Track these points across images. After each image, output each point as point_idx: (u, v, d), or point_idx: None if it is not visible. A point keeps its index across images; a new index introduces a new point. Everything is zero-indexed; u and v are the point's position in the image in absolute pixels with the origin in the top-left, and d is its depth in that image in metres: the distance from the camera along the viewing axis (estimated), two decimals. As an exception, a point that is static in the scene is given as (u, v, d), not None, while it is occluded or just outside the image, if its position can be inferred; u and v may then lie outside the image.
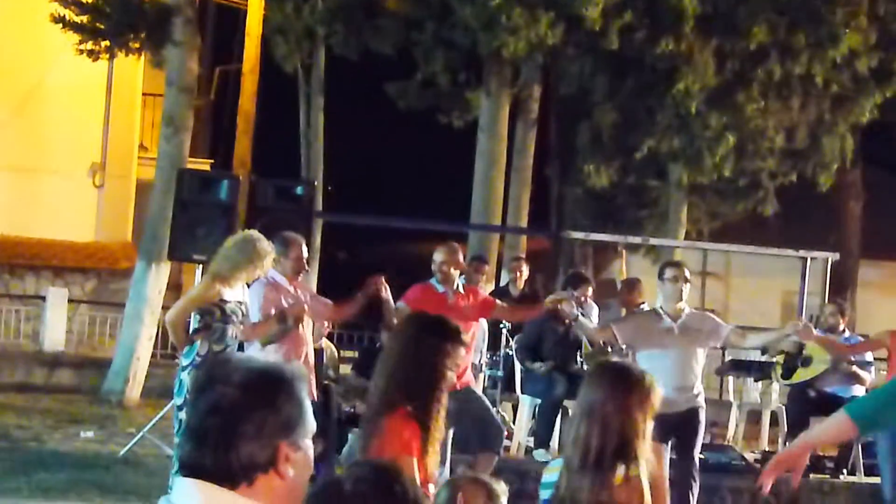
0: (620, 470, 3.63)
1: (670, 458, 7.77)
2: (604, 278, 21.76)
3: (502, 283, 13.58)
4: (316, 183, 13.35)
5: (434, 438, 4.26)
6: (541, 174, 19.36)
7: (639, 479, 3.68)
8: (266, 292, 7.85)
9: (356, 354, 12.26)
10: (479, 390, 11.78)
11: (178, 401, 7.61)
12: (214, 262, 7.81)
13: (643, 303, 11.29)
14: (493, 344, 10.94)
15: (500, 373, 10.72)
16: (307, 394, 2.23)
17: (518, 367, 10.58)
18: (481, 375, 11.13)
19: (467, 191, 16.34)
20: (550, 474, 3.94)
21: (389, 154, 27.67)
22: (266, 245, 7.61)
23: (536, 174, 17.95)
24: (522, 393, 10.35)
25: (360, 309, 8.32)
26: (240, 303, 7.65)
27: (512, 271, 11.79)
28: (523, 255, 14.14)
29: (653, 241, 15.94)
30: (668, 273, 7.95)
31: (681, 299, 7.84)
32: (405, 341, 4.41)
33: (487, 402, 8.57)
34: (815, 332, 8.12)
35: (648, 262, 17.98)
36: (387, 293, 7.98)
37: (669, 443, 7.71)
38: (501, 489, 3.66)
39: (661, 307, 7.94)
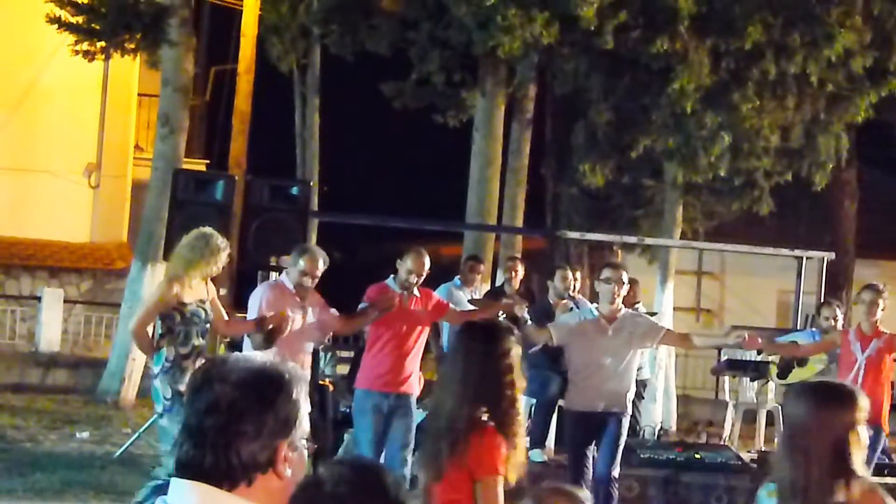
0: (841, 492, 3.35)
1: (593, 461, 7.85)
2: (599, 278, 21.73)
3: (498, 283, 13.56)
4: (312, 183, 13.34)
5: (518, 449, 4.21)
6: (536, 173, 19.34)
7: (873, 491, 3.44)
8: (269, 294, 7.84)
9: (352, 354, 12.24)
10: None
11: (157, 408, 7.59)
12: (169, 263, 7.78)
13: (638, 302, 11.30)
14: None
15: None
16: (305, 394, 2.23)
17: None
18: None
19: (463, 190, 16.37)
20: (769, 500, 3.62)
21: (385, 154, 27.67)
22: (220, 241, 7.54)
23: (532, 173, 17.94)
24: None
25: (365, 324, 8.31)
26: (202, 302, 7.57)
27: (507, 271, 11.75)
28: (519, 255, 14.13)
29: (648, 240, 15.90)
30: (605, 274, 8.01)
31: (614, 301, 7.88)
32: (467, 356, 4.33)
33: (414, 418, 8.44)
34: (759, 340, 8.15)
35: (644, 262, 17.97)
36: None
37: (592, 445, 7.82)
38: (586, 496, 3.49)
39: (596, 306, 8.03)
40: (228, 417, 2.13)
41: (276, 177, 11.09)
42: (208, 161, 22.14)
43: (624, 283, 7.97)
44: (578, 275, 10.85)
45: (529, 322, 8.24)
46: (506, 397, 4.19)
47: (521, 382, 4.31)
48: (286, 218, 9.63)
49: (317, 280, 7.93)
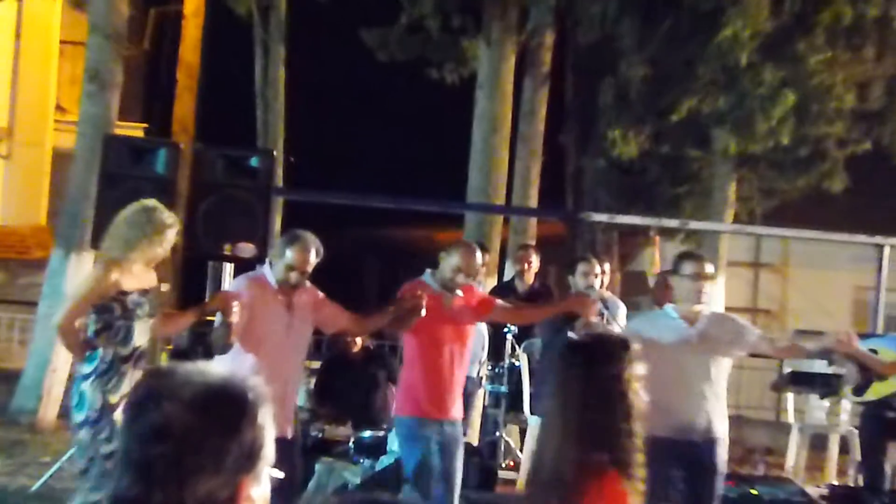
0: None
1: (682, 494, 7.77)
2: (632, 270, 21.76)
3: (507, 277, 13.58)
4: (275, 153, 13.25)
5: (638, 493, 4.09)
6: (554, 142, 19.35)
7: None
8: (242, 289, 7.67)
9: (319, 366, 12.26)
10: (478, 408, 11.72)
11: (78, 418, 7.51)
12: (105, 244, 7.72)
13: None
14: (496, 352, 10.93)
15: (503, 388, 10.71)
16: (270, 416, 2.20)
17: (527, 381, 10.57)
18: (480, 391, 11.12)
19: (463, 163, 16.34)
20: None
21: (367, 117, 27.65)
22: (166, 216, 7.48)
23: (549, 142, 17.94)
24: (532, 413, 10.34)
25: (388, 325, 8.24)
26: (145, 291, 7.53)
27: (518, 262, 11.78)
28: (532, 243, 14.16)
29: (693, 224, 15.87)
30: (686, 268, 7.96)
31: (700, 302, 7.86)
32: (566, 384, 4.19)
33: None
34: (856, 343, 8.10)
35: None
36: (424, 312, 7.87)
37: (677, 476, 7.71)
38: None
39: (672, 307, 7.98)
40: (182, 447, 2.10)
41: (231, 145, 11.08)
42: (147, 125, 22.13)
43: (712, 278, 8.00)
44: (607, 267, 10.84)
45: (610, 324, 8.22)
46: (622, 432, 4.05)
47: (640, 409, 4.14)
48: (244, 196, 9.59)
49: (306, 275, 7.85)
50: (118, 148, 10.21)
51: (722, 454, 7.82)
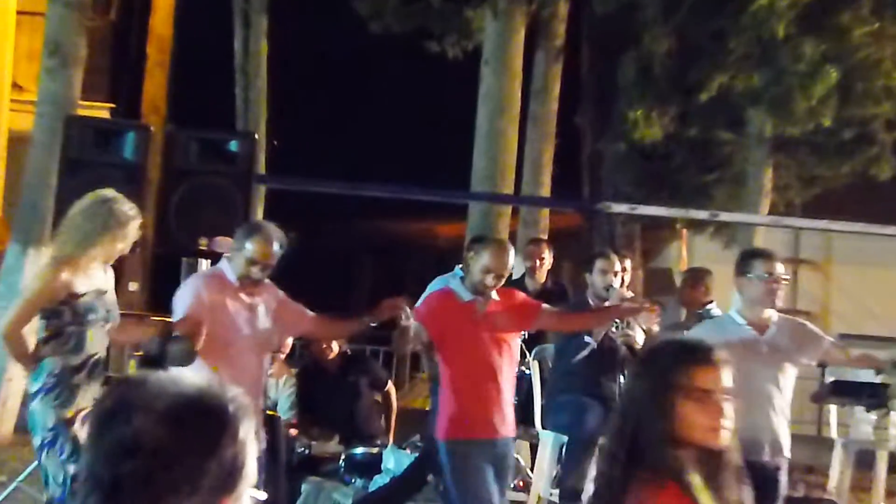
0: None
1: None
2: (656, 267, 21.72)
3: (515, 276, 13.55)
4: (257, 136, 13.28)
5: None
6: (569, 124, 19.33)
7: None
8: (201, 290, 7.65)
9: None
10: None
11: (35, 442, 7.45)
12: (58, 240, 7.66)
13: (711, 301, 11.28)
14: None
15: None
16: (252, 431, 2.20)
17: (538, 392, 10.55)
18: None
19: (467, 147, 16.33)
20: None
21: (360, 96, 27.61)
22: (127, 207, 7.47)
23: (563, 123, 17.94)
24: (544, 427, 10.32)
25: (361, 331, 8.30)
26: (101, 293, 7.51)
27: (529, 258, 11.74)
28: (545, 237, 14.12)
29: (724, 216, 15.87)
30: (756, 268, 7.88)
31: (774, 305, 7.81)
32: (630, 391, 4.36)
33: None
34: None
35: (718, 246, 17.96)
36: (408, 320, 7.84)
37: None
38: None
39: (738, 312, 7.92)
40: (154, 464, 2.09)
41: (207, 127, 11.07)
42: (114, 105, 22.09)
43: (785, 278, 7.88)
44: (627, 263, 10.82)
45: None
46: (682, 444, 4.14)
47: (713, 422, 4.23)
48: (222, 184, 9.58)
49: (269, 270, 7.81)
50: (81, 130, 10.18)
51: (785, 477, 7.83)
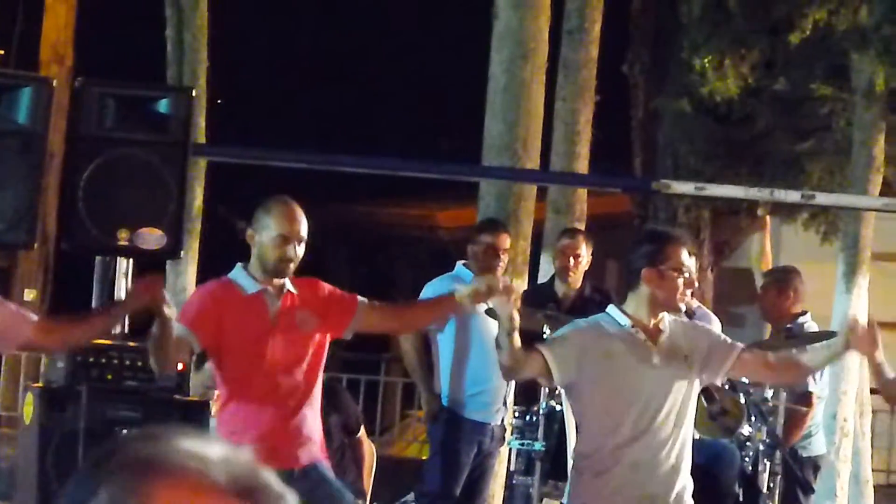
0: None
1: None
2: (732, 267, 21.79)
3: (542, 278, 13.57)
4: (195, 92, 13.29)
5: None
6: (614, 75, 19.33)
7: None
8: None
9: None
10: (489, 470, 11.84)
11: None
12: None
13: (805, 313, 11.26)
14: (527, 393, 10.84)
15: (538, 445, 10.58)
16: None
17: (573, 435, 10.55)
18: (504, 449, 11.13)
19: (477, 107, 16.20)
20: None
21: (334, 39, 27.65)
22: None
23: (606, 75, 17.90)
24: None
25: (101, 331, 8.27)
26: None
27: (561, 256, 11.79)
28: (581, 227, 14.11)
29: (821, 198, 15.88)
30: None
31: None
32: None
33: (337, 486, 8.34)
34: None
35: (815, 238, 18.00)
36: (169, 309, 7.71)
37: None
38: None
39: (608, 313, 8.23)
40: None
41: (128, 81, 11.09)
42: (2, 52, 22.17)
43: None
44: (694, 262, 10.79)
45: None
46: None
47: None
48: (147, 157, 9.52)
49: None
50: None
51: None
